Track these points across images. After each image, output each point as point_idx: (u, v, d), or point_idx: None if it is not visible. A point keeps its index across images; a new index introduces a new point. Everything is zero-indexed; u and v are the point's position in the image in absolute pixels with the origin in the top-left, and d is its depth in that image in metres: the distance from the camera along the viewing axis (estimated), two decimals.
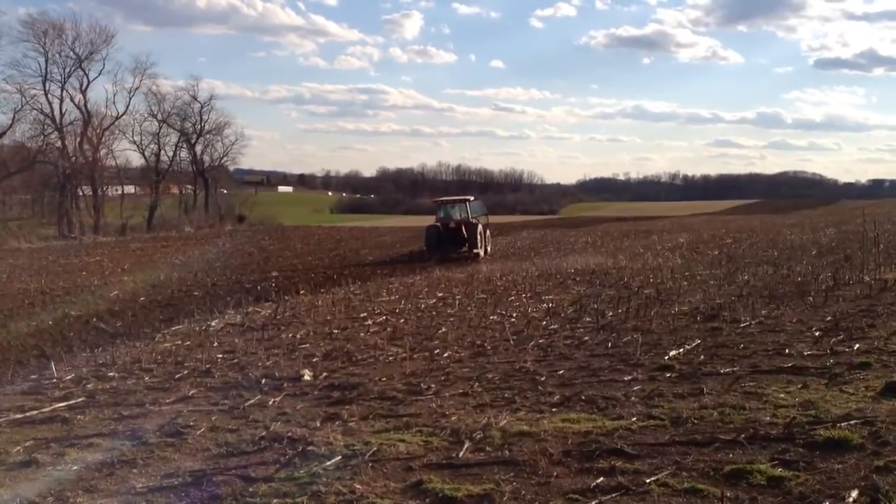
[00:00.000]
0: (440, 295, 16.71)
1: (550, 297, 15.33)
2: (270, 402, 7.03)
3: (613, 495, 4.20)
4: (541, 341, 9.92)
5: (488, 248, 30.14)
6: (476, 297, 15.80)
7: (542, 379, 7.50)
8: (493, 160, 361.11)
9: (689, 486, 4.26)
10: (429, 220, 31.94)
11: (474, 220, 29.19)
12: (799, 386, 6.50)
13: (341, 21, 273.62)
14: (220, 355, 10.12)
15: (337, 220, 77.01)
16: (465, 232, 28.27)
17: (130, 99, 57.32)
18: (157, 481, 4.83)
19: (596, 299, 14.14)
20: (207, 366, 9.22)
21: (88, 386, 8.37)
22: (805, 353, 7.88)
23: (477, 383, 7.48)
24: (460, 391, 7.17)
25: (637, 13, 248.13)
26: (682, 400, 6.26)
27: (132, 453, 5.43)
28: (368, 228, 59.14)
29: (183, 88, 63.32)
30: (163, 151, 62.11)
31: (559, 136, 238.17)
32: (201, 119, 64.17)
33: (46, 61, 51.37)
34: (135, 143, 60.36)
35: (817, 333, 9.01)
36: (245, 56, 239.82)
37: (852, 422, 5.20)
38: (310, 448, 5.30)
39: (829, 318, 10.09)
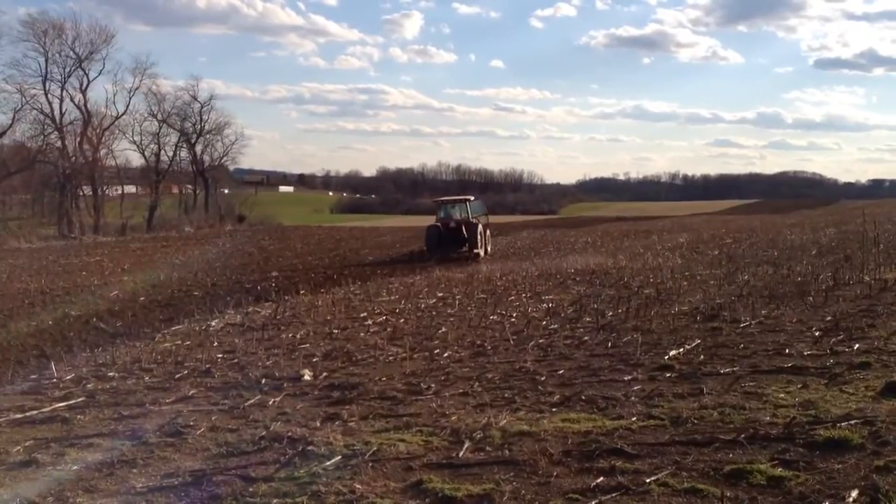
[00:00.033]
0: (440, 295, 16.71)
1: (550, 297, 15.33)
2: (270, 402, 7.03)
3: (613, 495, 4.20)
4: (541, 341, 9.92)
5: (488, 248, 30.14)
6: (476, 297, 15.80)
7: (542, 379, 7.50)
8: (493, 160, 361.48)
9: (689, 485, 4.26)
10: (429, 220, 31.95)
11: (474, 220, 29.19)
12: (799, 386, 6.50)
13: (341, 21, 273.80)
14: (220, 355, 10.12)
15: (337, 220, 77.02)
16: (465, 232, 28.28)
17: (130, 99, 57.41)
18: (157, 481, 4.83)
19: (596, 299, 14.15)
20: (207, 366, 9.22)
21: (88, 386, 8.37)
22: (805, 353, 7.88)
23: (477, 383, 7.48)
24: (460, 391, 7.17)
25: (637, 13, 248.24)
26: (682, 400, 6.26)
27: (132, 453, 5.43)
28: (368, 228, 59.14)
29: (183, 88, 63.43)
30: (163, 151, 62.24)
31: (559, 136, 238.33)
32: (201, 119, 64.27)
33: (46, 61, 51.48)
34: (135, 143, 60.50)
35: (817, 333, 9.01)
36: (245, 56, 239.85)
37: (852, 422, 5.20)
38: (310, 448, 5.31)
39: (829, 318, 10.09)
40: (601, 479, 4.43)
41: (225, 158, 69.05)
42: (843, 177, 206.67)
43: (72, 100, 53.42)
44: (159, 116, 60.63)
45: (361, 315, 13.90)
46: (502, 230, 43.84)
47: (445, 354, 9.40)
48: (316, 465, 4.90)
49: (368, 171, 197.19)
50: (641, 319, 11.21)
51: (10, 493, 4.70)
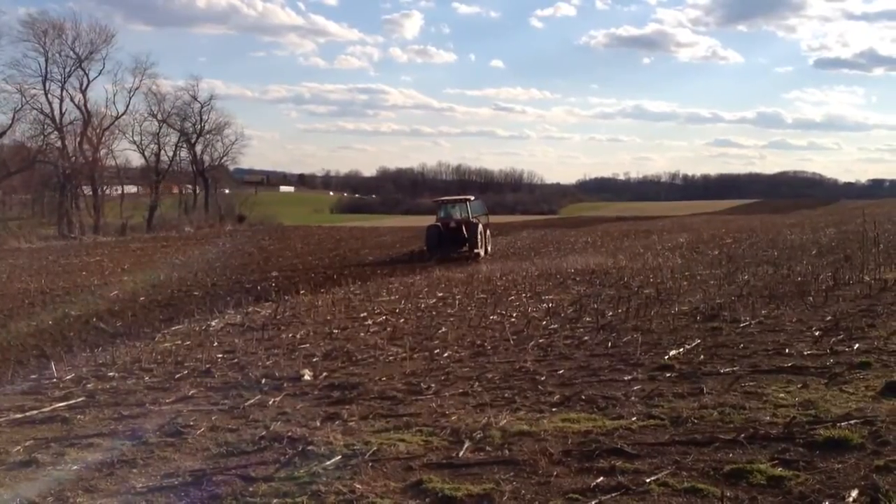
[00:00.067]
0: (440, 295, 16.71)
1: (550, 297, 15.34)
2: (270, 402, 7.03)
3: (613, 495, 4.20)
4: (541, 341, 9.92)
5: (489, 248, 30.14)
6: (476, 297, 15.80)
7: (542, 379, 7.50)
8: (493, 160, 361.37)
9: (689, 485, 4.26)
10: (429, 220, 31.95)
11: (475, 220, 29.19)
12: (799, 386, 6.50)
13: (341, 21, 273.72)
14: (220, 355, 10.12)
15: (337, 220, 77.03)
16: (465, 232, 28.28)
17: (130, 99, 57.44)
18: (157, 481, 4.83)
19: (596, 299, 14.15)
20: (207, 366, 9.22)
21: (88, 386, 8.37)
22: (805, 353, 7.88)
23: (477, 383, 7.48)
24: (460, 391, 7.17)
25: (637, 13, 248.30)
26: (682, 400, 6.26)
27: (132, 453, 5.43)
28: (368, 228, 59.15)
29: (183, 88, 63.46)
30: (163, 151, 62.27)
31: (559, 136, 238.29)
32: (201, 119, 64.30)
33: (46, 61, 51.50)
34: (135, 143, 60.51)
35: (817, 333, 9.02)
36: (245, 56, 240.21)
37: (852, 421, 5.20)
38: (310, 448, 5.31)
39: (829, 318, 10.09)
40: (601, 479, 4.43)
41: (225, 158, 69.20)
42: (843, 177, 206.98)
43: (72, 100, 53.55)
44: (159, 116, 60.77)
45: (361, 315, 13.90)
46: (502, 230, 43.84)
47: (445, 354, 9.40)
48: (316, 465, 4.90)
49: (368, 171, 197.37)
50: (641, 319, 11.21)
51: (10, 493, 4.70)
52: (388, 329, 11.91)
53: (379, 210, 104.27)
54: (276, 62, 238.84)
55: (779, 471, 4.38)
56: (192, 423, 6.25)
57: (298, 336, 11.75)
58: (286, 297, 17.20)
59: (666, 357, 8.14)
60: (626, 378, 7.25)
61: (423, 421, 6.06)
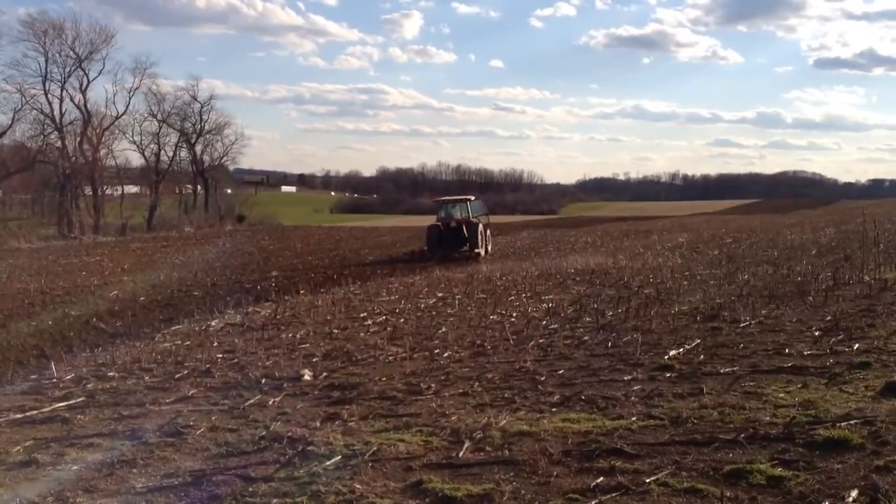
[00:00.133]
0: (440, 295, 16.71)
1: (550, 296, 15.34)
2: (270, 402, 7.03)
3: (613, 495, 4.20)
4: (541, 341, 9.92)
5: (489, 248, 30.14)
6: (476, 297, 15.80)
7: (542, 379, 7.50)
8: (493, 160, 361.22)
9: (688, 485, 4.26)
10: (429, 220, 31.94)
11: (475, 220, 29.19)
12: (799, 386, 6.50)
13: (341, 21, 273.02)
14: (220, 355, 10.12)
15: (337, 220, 77.00)
16: (466, 231, 28.29)
17: (130, 99, 57.41)
18: (157, 481, 4.83)
19: (596, 299, 14.15)
20: (207, 366, 9.22)
21: (88, 386, 8.37)
22: (805, 353, 7.89)
23: (477, 383, 7.49)
24: (460, 391, 7.17)
25: (637, 13, 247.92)
26: (681, 400, 6.27)
27: (132, 453, 5.43)
28: (368, 228, 59.13)
29: (183, 88, 63.41)
30: (163, 151, 62.24)
31: (559, 136, 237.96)
32: (201, 119, 64.26)
33: (46, 61, 51.48)
34: (135, 143, 60.49)
35: (817, 333, 9.02)
36: (245, 56, 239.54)
37: (852, 421, 5.20)
38: (310, 448, 5.31)
39: (829, 318, 10.09)
40: (601, 479, 4.43)
41: (225, 158, 69.17)
42: (843, 177, 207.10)
43: (72, 100, 53.53)
44: (159, 116, 60.75)
45: (361, 315, 13.90)
46: (502, 230, 43.84)
47: (445, 354, 9.40)
48: (316, 465, 4.90)
49: (368, 171, 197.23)
50: (641, 319, 11.21)
51: (10, 493, 4.70)
52: (388, 329, 11.91)
53: (379, 210, 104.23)
54: (276, 62, 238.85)
55: (779, 471, 4.38)
56: (192, 424, 6.25)
57: (298, 336, 11.75)
58: (286, 297, 17.20)
59: (666, 357, 8.15)
60: (626, 378, 7.26)
61: (423, 421, 6.06)
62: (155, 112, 59.97)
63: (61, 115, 52.81)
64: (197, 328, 13.23)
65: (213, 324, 13.60)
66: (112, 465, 5.17)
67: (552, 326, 11.24)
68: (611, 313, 12.11)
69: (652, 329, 10.23)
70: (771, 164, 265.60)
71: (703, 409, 5.83)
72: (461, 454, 5.06)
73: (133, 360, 10.11)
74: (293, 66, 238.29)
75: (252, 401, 7.10)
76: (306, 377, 8.24)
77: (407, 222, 61.98)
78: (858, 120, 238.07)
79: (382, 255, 32.22)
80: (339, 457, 5.07)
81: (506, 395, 6.89)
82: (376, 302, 15.97)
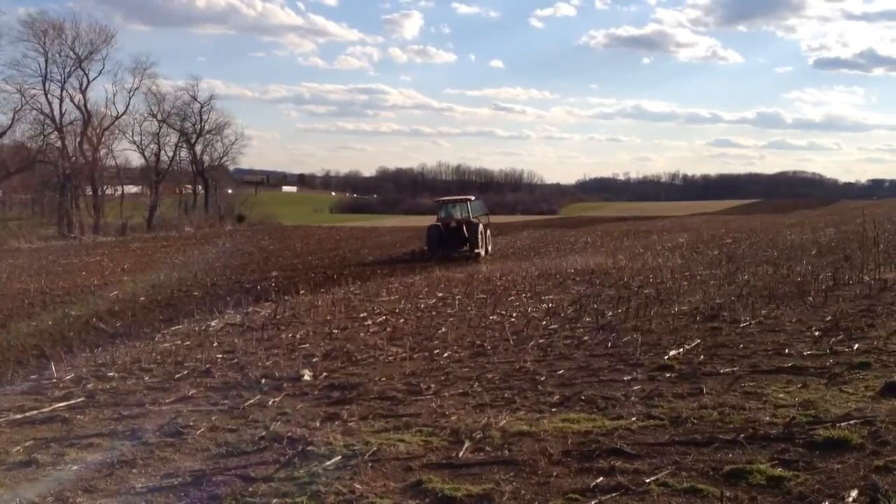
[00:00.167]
0: (440, 295, 16.71)
1: (550, 297, 15.33)
2: (270, 402, 7.03)
3: (613, 495, 4.20)
4: (541, 341, 9.92)
5: (489, 248, 30.14)
6: (476, 297, 15.80)
7: (542, 379, 7.50)
8: (493, 160, 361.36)
9: (688, 485, 4.26)
10: (429, 220, 31.94)
11: (475, 220, 29.18)
12: (799, 386, 6.50)
13: (341, 21, 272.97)
14: (220, 355, 10.12)
15: (337, 220, 76.98)
16: (466, 231, 28.29)
17: (130, 99, 57.46)
18: (157, 481, 4.84)
19: (596, 299, 14.15)
20: (207, 366, 9.22)
21: (88, 386, 8.37)
22: (805, 353, 7.89)
23: (477, 383, 7.49)
24: (460, 391, 7.17)
25: (637, 13, 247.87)
26: (681, 400, 6.27)
27: (132, 453, 5.43)
28: (368, 228, 59.12)
29: (183, 88, 63.44)
30: (163, 151, 62.28)
31: (559, 136, 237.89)
32: (201, 119, 64.29)
33: (46, 61, 51.51)
34: (135, 143, 60.53)
35: (817, 333, 9.02)
36: (245, 56, 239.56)
37: (852, 422, 5.20)
38: (310, 448, 5.31)
39: (829, 318, 10.10)
40: (601, 479, 4.43)
41: (225, 158, 69.15)
42: (843, 177, 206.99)
43: (72, 100, 53.54)
44: (159, 116, 60.78)
45: (361, 315, 13.90)
46: (502, 230, 43.84)
47: (445, 354, 9.40)
48: (316, 465, 4.90)
49: (368, 171, 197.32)
50: (641, 319, 11.21)
51: (10, 493, 4.70)
52: (388, 329, 11.91)
53: (379, 210, 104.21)
54: (276, 62, 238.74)
55: (778, 471, 4.38)
56: (191, 424, 6.25)
57: (298, 336, 11.75)
58: (286, 297, 17.20)
59: (666, 357, 8.15)
60: (625, 378, 7.26)
61: (422, 421, 6.06)
62: (155, 112, 60.11)
63: (61, 115, 52.93)
64: (197, 328, 13.23)
65: (212, 324, 13.60)
66: (112, 466, 5.17)
67: (552, 326, 11.24)
68: (611, 313, 12.11)
69: (652, 329, 10.23)
70: (771, 165, 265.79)
71: (702, 410, 5.83)
72: (461, 454, 5.06)
73: (133, 360, 10.11)
74: (293, 66, 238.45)
75: (252, 401, 7.10)
76: (306, 377, 8.24)
77: (407, 222, 61.98)
78: (858, 120, 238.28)
79: (382, 256, 32.22)
80: (339, 457, 5.07)
81: (506, 395, 6.89)
82: (376, 302, 15.97)
